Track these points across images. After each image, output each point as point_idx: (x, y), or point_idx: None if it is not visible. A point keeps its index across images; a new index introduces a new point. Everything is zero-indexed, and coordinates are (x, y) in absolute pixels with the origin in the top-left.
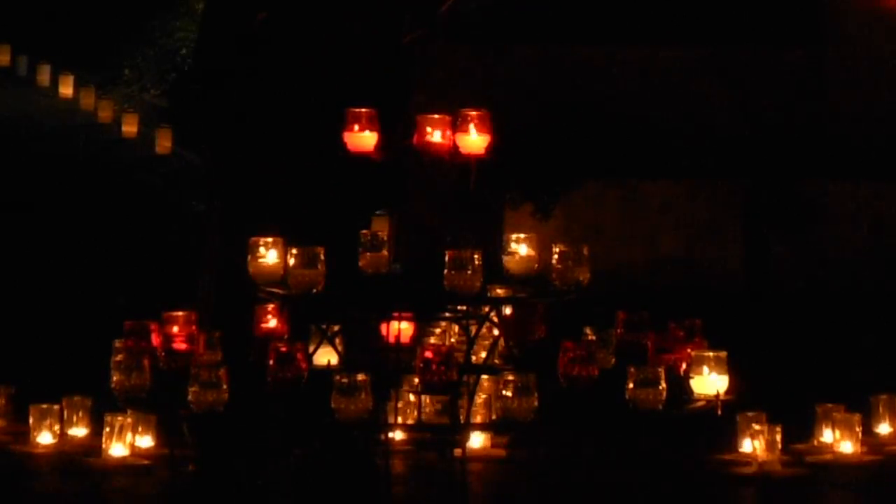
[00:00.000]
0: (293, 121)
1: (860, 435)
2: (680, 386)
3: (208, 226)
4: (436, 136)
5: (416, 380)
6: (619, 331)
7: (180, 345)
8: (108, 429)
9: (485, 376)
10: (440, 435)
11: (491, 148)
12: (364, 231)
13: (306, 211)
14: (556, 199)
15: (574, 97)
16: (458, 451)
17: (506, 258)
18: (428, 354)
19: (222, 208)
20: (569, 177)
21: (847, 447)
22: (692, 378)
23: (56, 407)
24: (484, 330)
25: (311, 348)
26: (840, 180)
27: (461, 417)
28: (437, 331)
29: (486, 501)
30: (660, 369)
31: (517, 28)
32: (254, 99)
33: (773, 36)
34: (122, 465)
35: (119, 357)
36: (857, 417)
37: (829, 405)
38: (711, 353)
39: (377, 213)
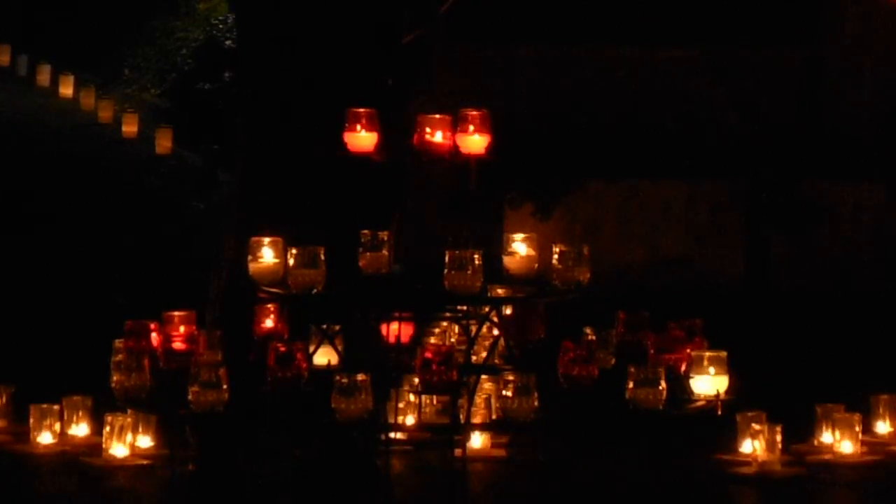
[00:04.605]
0: (297, 121)
1: (860, 435)
2: (680, 386)
3: (224, 226)
4: (436, 136)
5: (416, 380)
6: (619, 331)
7: (180, 345)
8: (108, 429)
9: (485, 376)
10: (440, 435)
11: (491, 148)
12: (364, 231)
13: (311, 211)
14: (557, 200)
15: (574, 97)
16: (458, 451)
17: (506, 258)
18: (428, 354)
19: (236, 209)
20: (569, 177)
21: (847, 447)
22: (692, 378)
23: (56, 407)
24: (484, 330)
25: (311, 348)
26: (840, 180)
27: (461, 417)
28: (437, 331)
29: (486, 501)
30: (660, 369)
31: (518, 29)
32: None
33: (772, 36)
34: (122, 465)
35: (119, 357)
36: (857, 417)
37: (829, 405)
38: (711, 353)
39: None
